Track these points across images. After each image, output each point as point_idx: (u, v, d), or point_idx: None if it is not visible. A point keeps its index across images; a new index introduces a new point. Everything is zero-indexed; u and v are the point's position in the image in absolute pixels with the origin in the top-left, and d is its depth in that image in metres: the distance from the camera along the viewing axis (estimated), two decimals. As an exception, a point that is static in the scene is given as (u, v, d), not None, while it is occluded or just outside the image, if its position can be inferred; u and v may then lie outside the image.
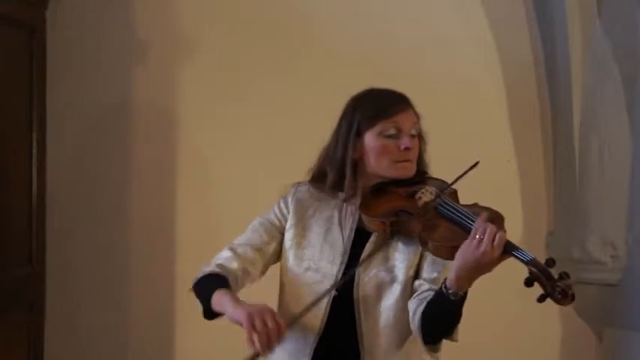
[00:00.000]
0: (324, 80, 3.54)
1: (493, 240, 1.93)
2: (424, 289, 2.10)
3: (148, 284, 3.75)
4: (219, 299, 2.07)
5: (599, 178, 3.53)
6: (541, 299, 1.90)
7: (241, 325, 1.99)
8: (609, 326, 3.61)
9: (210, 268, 2.18)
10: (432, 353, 2.14)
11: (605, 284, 3.57)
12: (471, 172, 2.12)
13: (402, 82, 3.46)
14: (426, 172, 2.25)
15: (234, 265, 2.18)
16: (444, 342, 2.10)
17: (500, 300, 3.42)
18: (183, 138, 3.74)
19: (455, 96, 3.64)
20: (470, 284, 1.99)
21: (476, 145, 3.60)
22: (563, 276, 1.89)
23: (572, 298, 1.87)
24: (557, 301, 1.89)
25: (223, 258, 2.20)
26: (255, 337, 1.95)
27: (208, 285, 2.12)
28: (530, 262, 1.92)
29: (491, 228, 1.94)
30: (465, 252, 1.95)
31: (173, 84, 3.72)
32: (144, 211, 3.76)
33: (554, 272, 1.91)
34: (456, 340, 2.08)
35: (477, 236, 1.94)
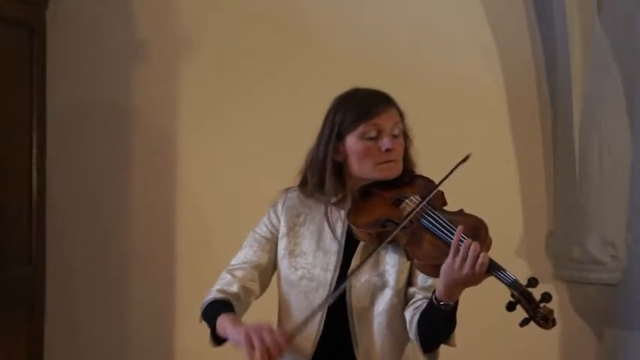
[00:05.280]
0: (325, 80, 3.53)
1: (476, 262, 1.91)
2: (418, 297, 2.10)
3: (147, 284, 3.75)
4: (222, 324, 2.07)
5: (599, 178, 3.52)
6: (523, 323, 1.88)
7: (243, 346, 1.99)
8: (609, 326, 3.61)
9: (212, 295, 2.17)
10: None
11: (605, 284, 3.57)
12: (456, 171, 2.09)
13: (402, 81, 3.46)
14: (413, 171, 2.23)
15: (235, 287, 2.17)
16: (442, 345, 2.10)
17: (499, 299, 3.41)
18: (183, 137, 3.74)
19: (455, 96, 3.63)
20: (460, 294, 1.98)
21: (476, 145, 3.59)
22: (546, 297, 1.88)
23: (554, 323, 1.86)
24: (540, 326, 1.88)
25: (223, 283, 2.20)
26: (256, 355, 1.95)
27: (213, 312, 2.12)
28: (511, 285, 1.90)
29: (474, 248, 1.92)
30: (448, 271, 1.94)
31: (173, 83, 3.72)
32: (144, 211, 3.76)
33: (537, 293, 1.88)
34: (454, 345, 2.07)
35: (460, 255, 1.92)
